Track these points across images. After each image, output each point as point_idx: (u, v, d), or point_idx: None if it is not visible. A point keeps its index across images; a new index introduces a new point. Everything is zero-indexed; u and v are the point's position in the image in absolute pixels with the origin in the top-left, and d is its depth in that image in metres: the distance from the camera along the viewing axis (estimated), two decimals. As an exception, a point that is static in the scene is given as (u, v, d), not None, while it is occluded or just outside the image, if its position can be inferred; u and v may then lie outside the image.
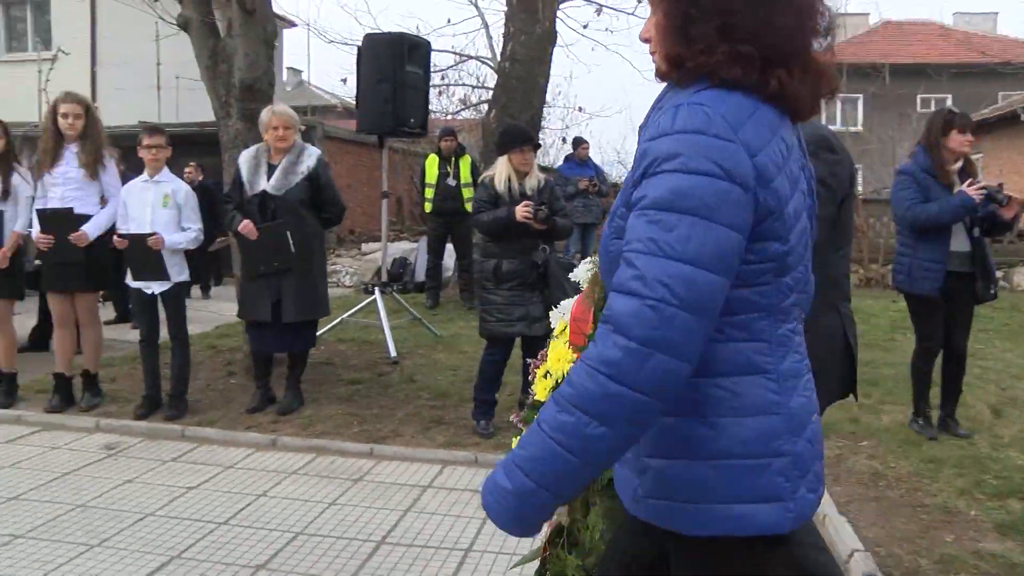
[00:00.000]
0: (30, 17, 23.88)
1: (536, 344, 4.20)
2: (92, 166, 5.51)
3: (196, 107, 22.05)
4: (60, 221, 5.42)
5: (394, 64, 6.92)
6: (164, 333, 5.58)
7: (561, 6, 10.44)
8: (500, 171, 5.01)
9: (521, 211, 4.78)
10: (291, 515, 3.97)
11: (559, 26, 9.94)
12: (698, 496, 1.41)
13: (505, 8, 10.07)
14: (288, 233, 5.21)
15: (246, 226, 5.28)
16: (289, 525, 3.85)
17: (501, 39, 10.43)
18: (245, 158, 5.44)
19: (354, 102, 8.33)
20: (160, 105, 21.33)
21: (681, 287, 1.28)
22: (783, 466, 1.42)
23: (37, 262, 5.79)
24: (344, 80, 29.78)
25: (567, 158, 12.09)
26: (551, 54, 9.80)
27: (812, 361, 1.58)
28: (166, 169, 5.45)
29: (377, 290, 7.74)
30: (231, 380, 6.44)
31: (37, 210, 5.51)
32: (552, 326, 2.28)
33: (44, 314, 7.58)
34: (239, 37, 5.93)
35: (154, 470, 4.59)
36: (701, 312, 1.29)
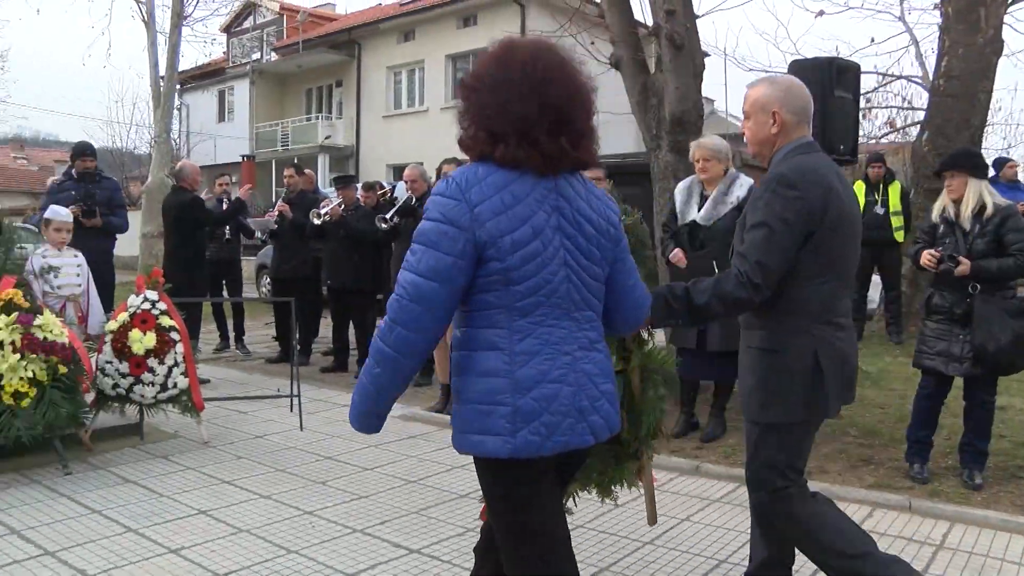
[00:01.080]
0: (472, 67, 26.69)
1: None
2: None
3: (614, 140, 23.26)
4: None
5: (822, 89, 6.67)
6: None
7: (1010, 10, 9.43)
8: (940, 200, 4.71)
9: (924, 258, 4.53)
10: (713, 542, 3.97)
11: (1006, 32, 8.99)
12: (460, 427, 2.18)
13: (939, 21, 9.34)
14: (714, 263, 5.26)
15: (676, 255, 5.44)
16: (712, 552, 3.86)
17: (933, 55, 9.67)
18: (679, 188, 5.61)
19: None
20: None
21: (411, 288, 2.07)
22: (505, 413, 2.10)
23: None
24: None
25: (992, 180, 10.82)
26: (995, 65, 8.89)
27: (782, 378, 2.74)
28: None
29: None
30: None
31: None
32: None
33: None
34: (669, 72, 6.14)
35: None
36: (424, 303, 2.06)
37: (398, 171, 27.45)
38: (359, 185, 8.83)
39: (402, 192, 8.65)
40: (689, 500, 4.58)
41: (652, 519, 3.44)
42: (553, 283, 2.15)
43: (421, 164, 7.82)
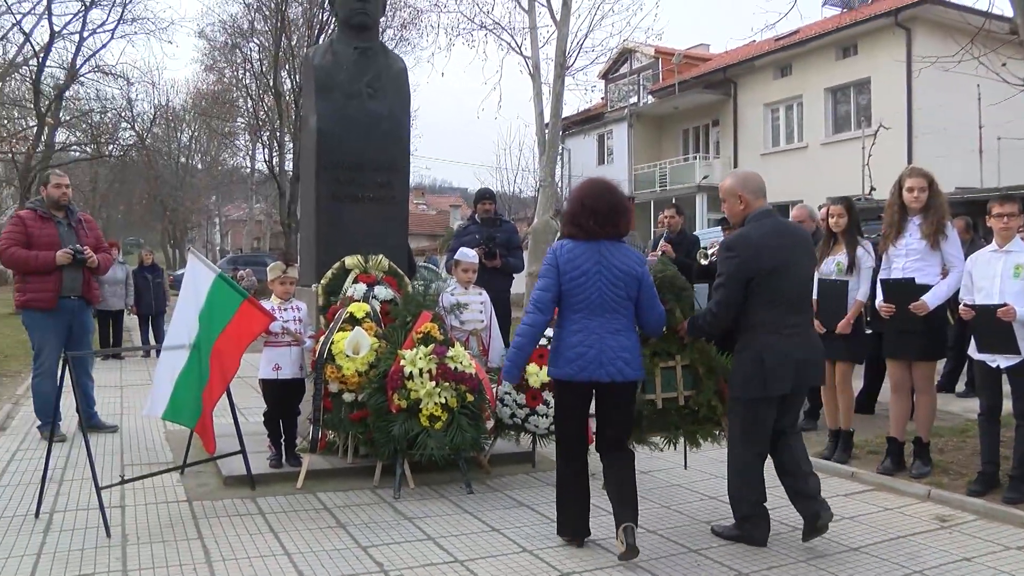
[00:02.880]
0: (853, 99, 25.49)
1: None
2: (934, 236, 5.58)
3: (1020, 168, 20.89)
4: (902, 291, 5.62)
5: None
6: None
7: None
8: None
9: None
10: None
11: None
12: (548, 362, 4.49)
13: None
14: None
15: None
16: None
17: None
18: None
19: None
20: (982, 169, 20.74)
21: (535, 297, 4.28)
22: (556, 359, 4.27)
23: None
24: None
25: None
26: None
27: (743, 367, 4.33)
28: (1017, 238, 5.17)
29: None
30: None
31: (881, 280, 5.81)
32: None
33: (870, 378, 7.95)
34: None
35: (995, 554, 4.36)
36: (540, 305, 4.26)
37: (777, 209, 26.78)
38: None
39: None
40: None
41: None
42: (592, 298, 4.20)
43: (803, 203, 7.60)
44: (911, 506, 5.16)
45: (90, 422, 6.56)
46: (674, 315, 4.57)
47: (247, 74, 31.09)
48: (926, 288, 5.53)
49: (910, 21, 22.73)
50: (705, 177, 29.27)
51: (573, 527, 4.42)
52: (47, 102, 21.91)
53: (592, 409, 4.44)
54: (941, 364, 8.20)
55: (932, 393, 5.82)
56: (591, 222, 4.22)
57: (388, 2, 7.29)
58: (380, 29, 7.87)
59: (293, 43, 27.37)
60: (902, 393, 5.80)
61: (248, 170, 46.08)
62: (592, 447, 4.54)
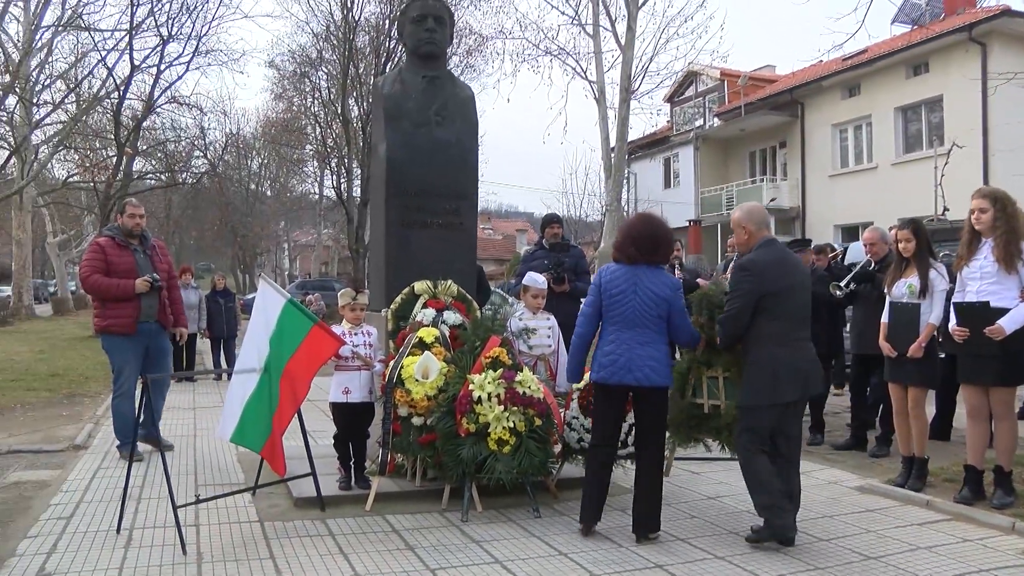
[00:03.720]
0: (924, 117, 24.99)
1: None
2: (1008, 259, 5.45)
3: None
4: (975, 314, 5.48)
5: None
6: None
7: None
8: None
9: None
10: None
11: None
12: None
13: None
14: None
15: None
16: None
17: None
18: None
19: None
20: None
21: (581, 312, 5.17)
22: (595, 364, 4.96)
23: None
24: None
25: None
26: None
27: (753, 377, 4.82)
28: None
29: None
30: None
31: (954, 303, 5.68)
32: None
33: (943, 402, 7.75)
34: None
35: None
36: (583, 319, 5.04)
37: (846, 232, 26.37)
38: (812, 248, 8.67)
39: (857, 254, 8.33)
40: None
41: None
42: (626, 314, 4.81)
43: (873, 224, 7.48)
44: (993, 538, 4.99)
45: (148, 435, 6.64)
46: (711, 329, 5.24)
47: (315, 102, 31.75)
48: (1002, 312, 5.39)
49: (985, 36, 22.24)
50: (772, 200, 28.94)
51: (586, 514, 5.00)
52: (126, 133, 22.66)
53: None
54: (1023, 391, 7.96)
55: (1013, 419, 5.64)
56: (632, 249, 4.88)
57: (455, 31, 7.40)
58: (447, 57, 7.98)
59: (360, 71, 27.89)
60: (979, 419, 5.64)
61: (316, 196, 47.09)
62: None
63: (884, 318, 6.22)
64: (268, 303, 5.41)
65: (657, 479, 4.90)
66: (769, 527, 4.77)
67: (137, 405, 6.87)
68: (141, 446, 6.71)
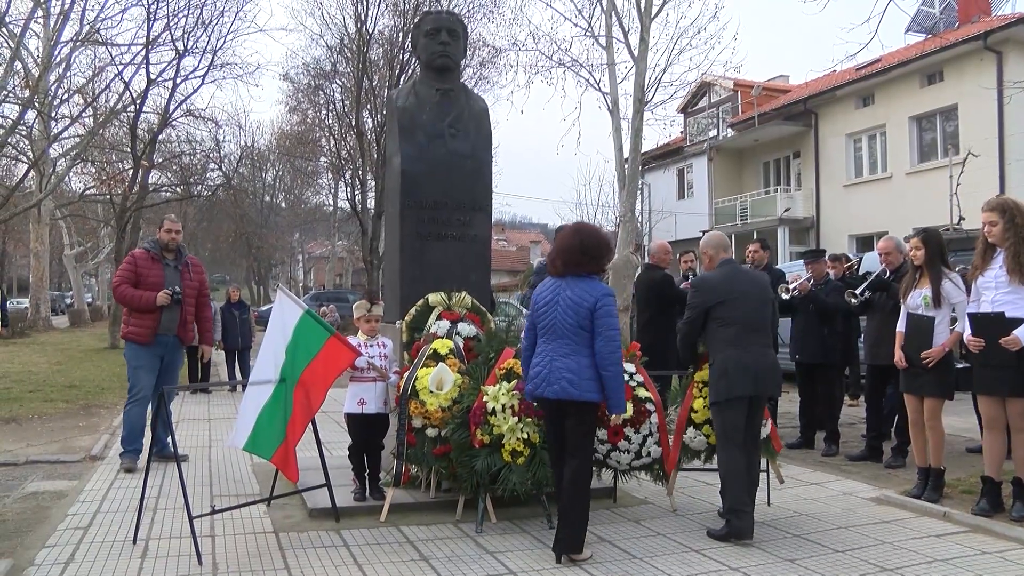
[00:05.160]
0: (939, 126, 24.90)
1: None
2: (1019, 270, 5.41)
3: None
4: (990, 325, 5.46)
5: None
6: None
7: None
8: None
9: None
10: None
11: None
12: None
13: None
14: None
15: None
16: None
17: None
18: None
19: None
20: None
21: (527, 324, 5.03)
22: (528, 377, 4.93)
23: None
24: None
25: None
26: None
27: (713, 376, 5.34)
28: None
29: None
30: None
31: (969, 313, 5.66)
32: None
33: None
34: None
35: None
36: (524, 332, 5.02)
37: (861, 242, 26.26)
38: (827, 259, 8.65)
39: (872, 264, 8.31)
40: None
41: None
42: (549, 325, 4.75)
43: (888, 234, 7.46)
44: (1013, 551, 4.94)
45: (162, 452, 6.89)
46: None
47: (329, 114, 31.84)
48: (1017, 322, 5.36)
49: (1001, 44, 22.14)
50: (787, 210, 28.87)
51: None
52: (142, 145, 22.81)
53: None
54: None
55: (1030, 431, 5.60)
56: (559, 261, 4.87)
57: (468, 43, 7.44)
58: (461, 69, 8.03)
59: (374, 84, 27.98)
60: (996, 430, 5.60)
61: (330, 208, 47.21)
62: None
63: (900, 327, 6.21)
64: (286, 314, 5.44)
65: (575, 499, 4.66)
66: (729, 526, 5.12)
67: (148, 416, 6.99)
68: (140, 462, 6.85)
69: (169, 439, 6.61)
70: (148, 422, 7.09)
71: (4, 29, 15.05)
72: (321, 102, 31.99)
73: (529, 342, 4.93)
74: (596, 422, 4.98)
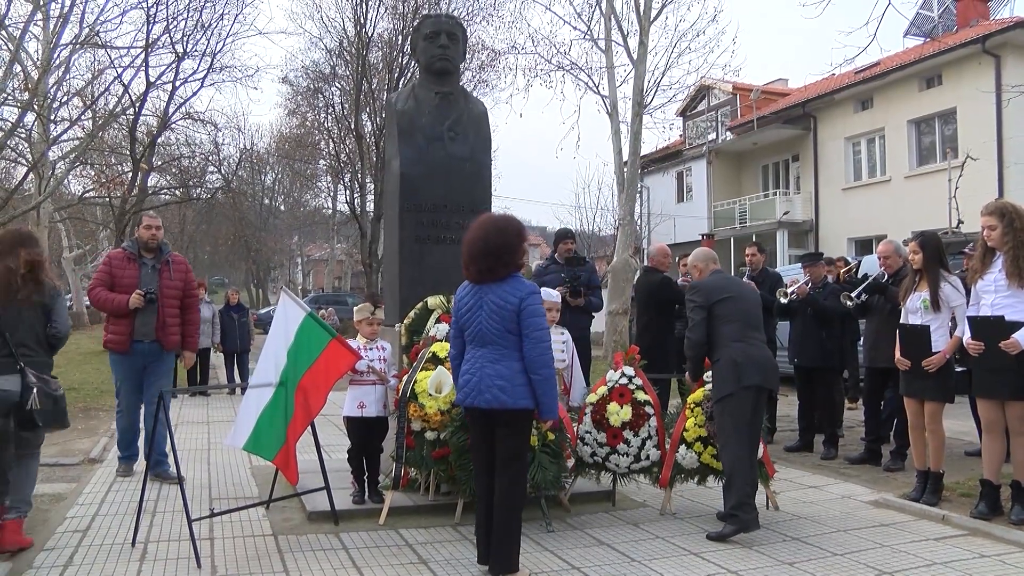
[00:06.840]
0: (938, 130, 24.92)
1: None
2: (1018, 274, 5.41)
3: None
4: (990, 328, 5.46)
5: None
6: None
7: None
8: None
9: None
10: None
11: None
12: None
13: None
14: None
15: None
16: None
17: None
18: None
19: None
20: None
21: (452, 332, 4.82)
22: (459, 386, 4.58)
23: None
24: None
25: None
26: None
27: (720, 371, 5.38)
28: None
29: None
30: None
31: (969, 317, 5.66)
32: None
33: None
34: None
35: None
36: (451, 340, 4.76)
37: (860, 245, 26.25)
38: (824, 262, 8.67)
39: (871, 267, 8.32)
40: None
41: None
42: (476, 331, 4.47)
43: (887, 238, 7.47)
44: (1012, 555, 4.94)
45: (157, 470, 6.53)
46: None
47: (329, 117, 31.85)
48: (1017, 325, 5.36)
49: (999, 48, 22.15)
50: (786, 213, 28.87)
51: (480, 549, 4.60)
52: (141, 148, 22.81)
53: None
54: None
55: (1030, 433, 5.60)
56: (474, 268, 4.48)
57: (467, 46, 7.46)
58: (460, 72, 8.04)
59: (374, 87, 28.01)
60: (995, 433, 5.60)
61: (330, 211, 47.20)
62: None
63: (900, 332, 6.21)
64: (288, 316, 5.44)
65: (509, 515, 4.37)
66: (736, 521, 5.15)
67: (133, 422, 6.89)
68: (139, 466, 6.86)
69: (167, 450, 6.50)
70: (140, 425, 7.02)
71: (4, 31, 15.06)
72: (320, 105, 32.02)
73: (457, 349, 4.63)
74: (530, 430, 4.66)
